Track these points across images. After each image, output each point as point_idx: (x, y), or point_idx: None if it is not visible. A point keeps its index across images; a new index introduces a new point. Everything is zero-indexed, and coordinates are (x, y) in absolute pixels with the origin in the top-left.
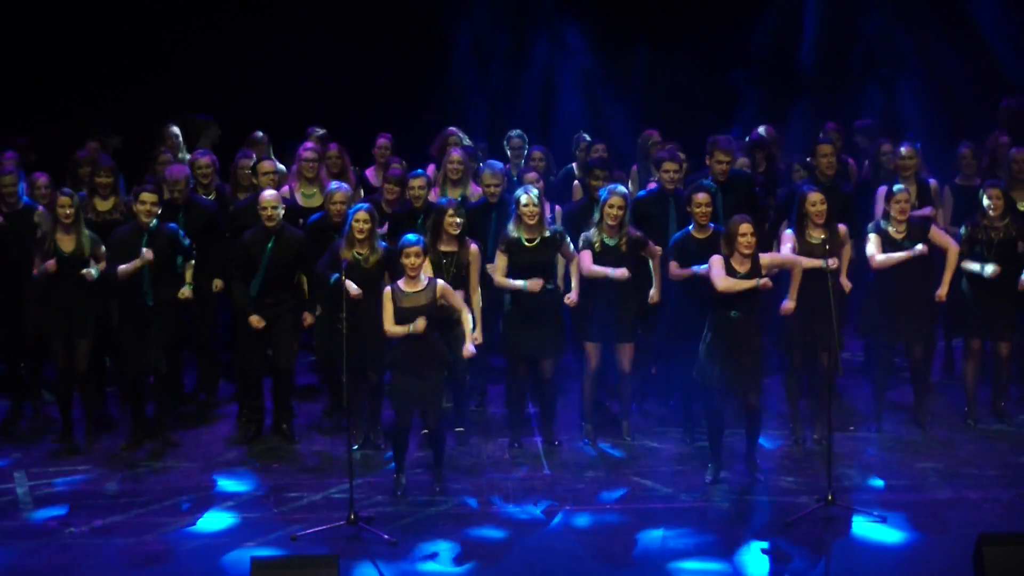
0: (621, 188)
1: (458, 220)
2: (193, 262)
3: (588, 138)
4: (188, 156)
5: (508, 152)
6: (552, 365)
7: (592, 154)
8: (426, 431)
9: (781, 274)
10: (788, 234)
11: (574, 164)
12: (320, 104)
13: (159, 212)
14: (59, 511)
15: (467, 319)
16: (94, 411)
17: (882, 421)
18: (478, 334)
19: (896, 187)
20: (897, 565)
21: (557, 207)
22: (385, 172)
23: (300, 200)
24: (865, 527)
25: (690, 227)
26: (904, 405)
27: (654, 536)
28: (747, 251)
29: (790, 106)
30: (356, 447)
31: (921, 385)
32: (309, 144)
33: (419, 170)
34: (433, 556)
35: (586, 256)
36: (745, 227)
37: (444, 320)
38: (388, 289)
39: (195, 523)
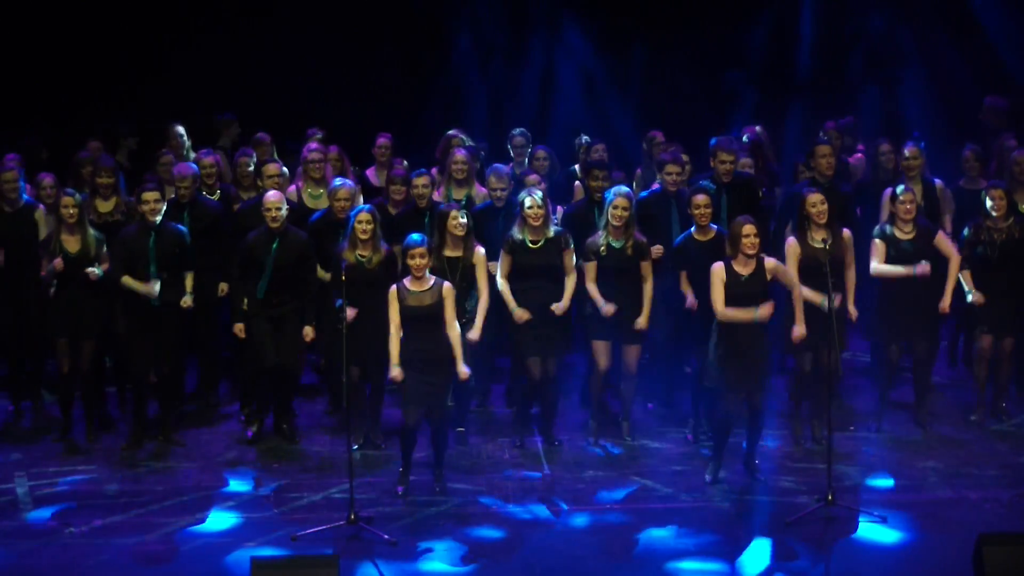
0: (625, 189)
1: (462, 221)
2: (192, 273)
3: (587, 139)
4: (194, 155)
5: (511, 151)
6: (556, 364)
7: (592, 155)
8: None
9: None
10: (791, 243)
11: (576, 166)
12: (320, 104)
13: (163, 209)
14: (59, 511)
15: (457, 340)
16: (94, 411)
17: (883, 421)
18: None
19: (900, 188)
20: (897, 565)
21: (559, 207)
22: (388, 172)
23: (307, 200)
24: (865, 527)
25: (692, 229)
26: (905, 405)
27: (660, 535)
28: (751, 252)
29: (788, 107)
30: (356, 447)
31: (922, 385)
32: (314, 145)
33: (422, 169)
34: (433, 556)
35: (589, 269)
36: (748, 228)
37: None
38: (393, 288)
39: (195, 523)
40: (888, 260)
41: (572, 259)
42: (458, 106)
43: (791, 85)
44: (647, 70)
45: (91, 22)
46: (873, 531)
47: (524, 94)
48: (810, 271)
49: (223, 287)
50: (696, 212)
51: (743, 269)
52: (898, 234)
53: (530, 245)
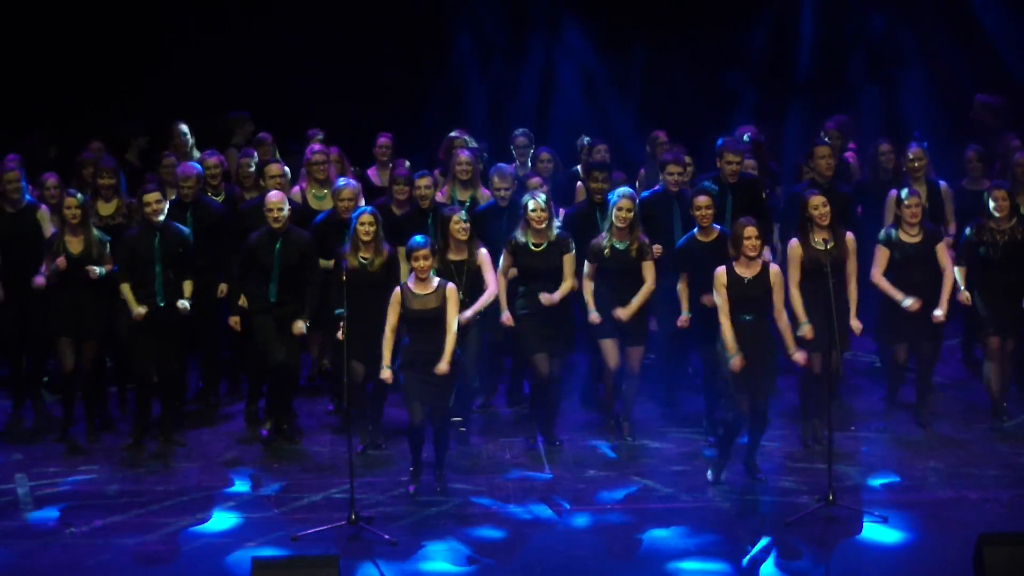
0: (629, 190)
1: (464, 225)
2: (191, 280)
3: (588, 140)
4: (198, 154)
5: (513, 151)
6: (559, 364)
7: (594, 155)
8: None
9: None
10: (794, 244)
11: (579, 167)
12: (320, 104)
13: (166, 209)
14: (60, 511)
15: (451, 340)
16: (95, 411)
17: (890, 420)
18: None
19: (904, 192)
20: (897, 565)
21: (561, 210)
22: (392, 172)
23: (311, 202)
24: (866, 527)
25: (695, 230)
26: (906, 405)
27: (661, 535)
28: (752, 253)
29: (788, 107)
30: (362, 448)
31: (923, 385)
32: (316, 147)
33: (423, 171)
34: (434, 556)
35: (588, 271)
36: (749, 230)
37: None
38: (397, 290)
39: (196, 523)
40: (892, 264)
41: (572, 263)
42: (458, 106)
43: (791, 85)
44: (647, 70)
45: (91, 22)
46: (874, 531)
47: (524, 94)
48: (812, 272)
49: (222, 287)
50: (698, 213)
51: (746, 271)
52: (904, 237)
53: (532, 248)
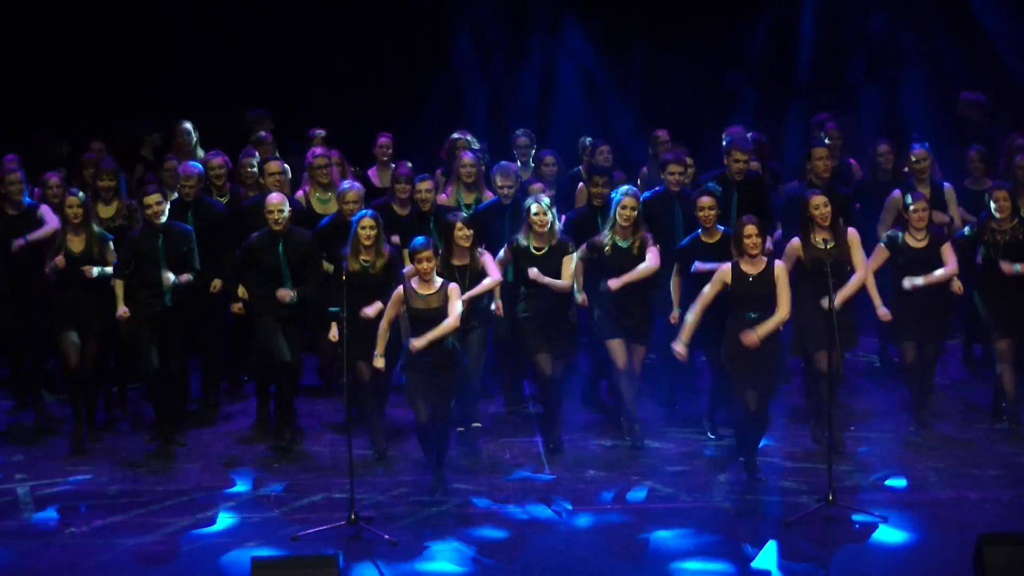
0: (633, 188)
1: (468, 232)
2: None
3: (590, 141)
4: (202, 152)
5: (515, 152)
6: (562, 366)
7: (597, 156)
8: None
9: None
10: (794, 243)
11: (581, 167)
12: (320, 104)
13: (167, 209)
14: (60, 511)
15: (443, 327)
16: (95, 411)
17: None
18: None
19: (909, 198)
20: (897, 565)
21: (563, 216)
22: (394, 171)
23: (315, 206)
24: (866, 527)
25: (699, 231)
26: (906, 405)
27: (661, 535)
28: (754, 252)
29: (788, 107)
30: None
31: (924, 385)
32: (318, 150)
33: (424, 174)
34: (434, 556)
35: (579, 265)
36: (749, 228)
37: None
38: (400, 288)
39: (196, 523)
40: (897, 268)
41: (571, 266)
42: (458, 106)
43: (791, 85)
44: (647, 70)
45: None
46: (874, 531)
47: (524, 94)
48: (813, 272)
49: (216, 283)
50: (701, 214)
51: (750, 269)
52: (910, 242)
53: (534, 251)
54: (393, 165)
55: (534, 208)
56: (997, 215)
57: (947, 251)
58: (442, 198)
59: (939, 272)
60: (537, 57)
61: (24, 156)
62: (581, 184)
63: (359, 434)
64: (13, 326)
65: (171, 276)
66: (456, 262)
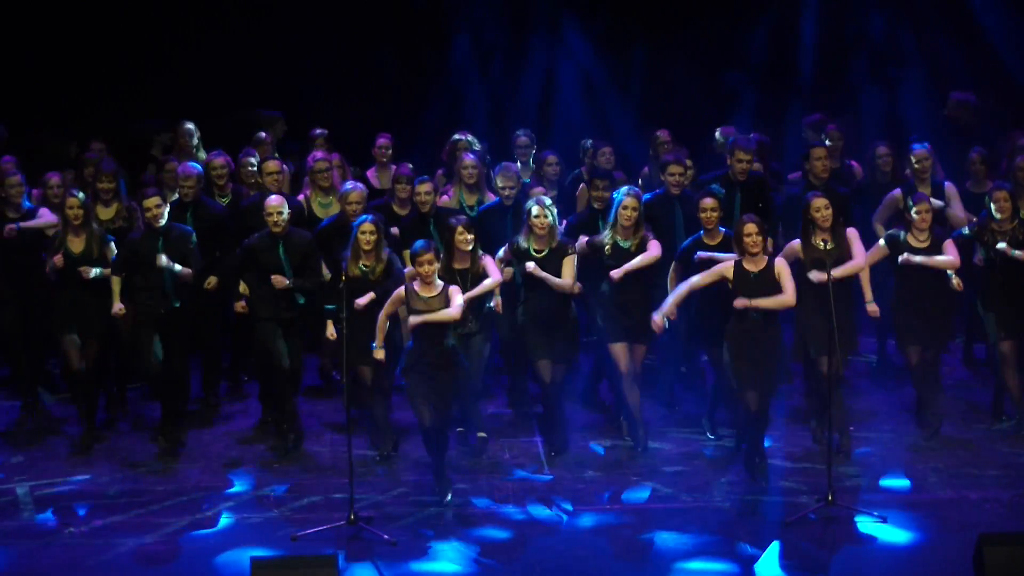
0: (635, 189)
1: (469, 237)
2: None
3: (591, 143)
4: (203, 153)
5: (515, 152)
6: (564, 369)
7: (599, 158)
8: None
9: None
10: (794, 244)
11: (582, 168)
12: (320, 104)
13: (167, 212)
14: (60, 511)
15: (440, 314)
16: (96, 411)
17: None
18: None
19: (912, 199)
20: (897, 565)
21: (564, 220)
22: (395, 172)
23: (316, 210)
24: (865, 527)
25: (700, 233)
26: (907, 405)
27: (661, 535)
28: (755, 250)
29: (788, 107)
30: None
31: (930, 386)
32: (319, 154)
33: (423, 176)
34: (433, 556)
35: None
36: (749, 227)
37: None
38: (402, 289)
39: (196, 523)
40: (898, 268)
41: (571, 267)
42: (458, 106)
43: (791, 85)
44: (647, 70)
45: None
46: (874, 531)
47: (524, 94)
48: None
49: (211, 280)
50: (703, 216)
51: (752, 267)
52: (913, 242)
53: (534, 254)
54: (393, 166)
55: (535, 210)
56: (997, 216)
57: (949, 246)
58: (444, 199)
59: (940, 258)
60: (537, 57)
61: (32, 157)
62: (582, 185)
63: (359, 434)
64: (13, 326)
65: (164, 258)
66: (457, 266)
